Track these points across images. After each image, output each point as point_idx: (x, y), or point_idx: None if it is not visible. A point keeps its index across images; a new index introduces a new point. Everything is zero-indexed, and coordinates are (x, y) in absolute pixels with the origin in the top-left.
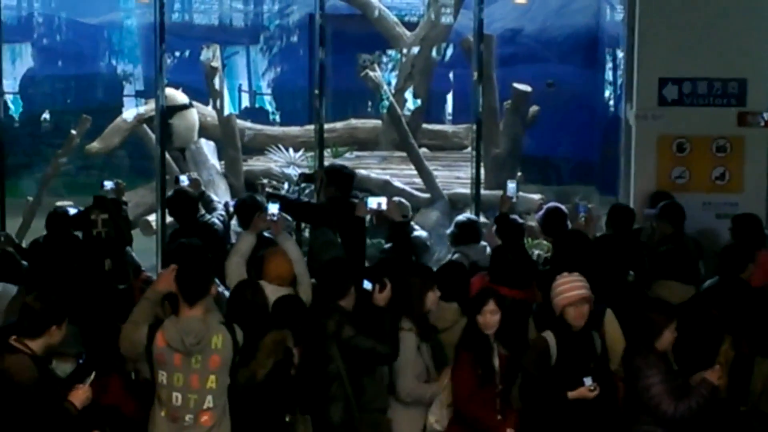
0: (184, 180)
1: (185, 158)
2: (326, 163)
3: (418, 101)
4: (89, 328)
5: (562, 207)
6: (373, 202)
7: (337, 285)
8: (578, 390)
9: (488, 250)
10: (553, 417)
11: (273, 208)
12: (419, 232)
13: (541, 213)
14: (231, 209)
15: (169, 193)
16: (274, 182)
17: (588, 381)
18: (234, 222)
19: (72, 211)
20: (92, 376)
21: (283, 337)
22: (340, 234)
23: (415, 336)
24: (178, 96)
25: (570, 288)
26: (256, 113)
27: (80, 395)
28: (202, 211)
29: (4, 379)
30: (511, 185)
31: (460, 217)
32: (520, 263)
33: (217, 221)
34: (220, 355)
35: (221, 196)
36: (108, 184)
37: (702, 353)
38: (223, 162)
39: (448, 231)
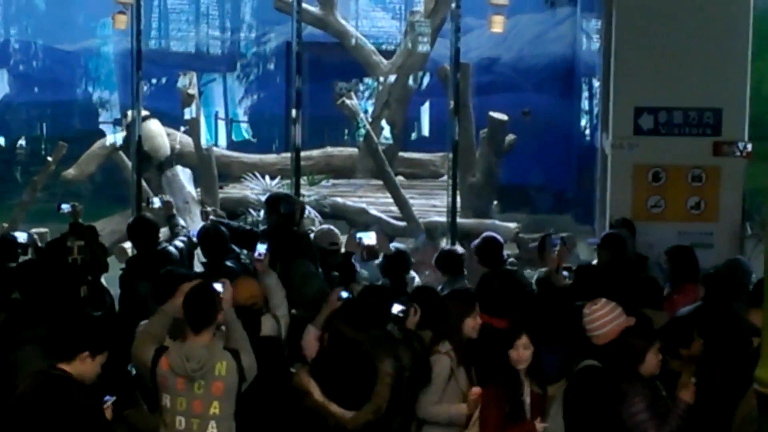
0: (156, 202)
1: (161, 184)
2: (302, 191)
3: (394, 130)
4: None
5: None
6: (363, 237)
7: (378, 312)
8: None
9: (417, 280)
10: None
11: (261, 248)
12: None
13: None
14: (194, 239)
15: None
16: (219, 211)
17: None
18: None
19: (21, 236)
20: (112, 399)
21: (396, 366)
22: (283, 263)
23: (449, 360)
24: None
25: (621, 313)
26: (232, 141)
27: (107, 412)
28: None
29: (53, 405)
30: None
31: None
32: (507, 291)
33: (173, 250)
34: (224, 382)
35: (197, 223)
36: (65, 207)
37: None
38: (199, 189)
39: (377, 262)
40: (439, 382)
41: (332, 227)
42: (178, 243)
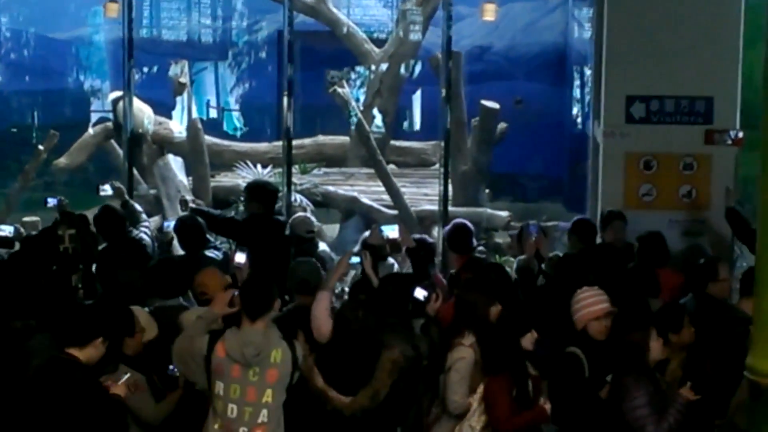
0: (106, 189)
1: (153, 172)
2: (294, 179)
3: (386, 118)
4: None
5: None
6: (386, 230)
7: (397, 300)
8: (605, 389)
9: (396, 267)
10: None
11: (240, 258)
12: (323, 248)
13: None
14: (170, 231)
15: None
16: (198, 200)
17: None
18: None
19: (8, 229)
20: (127, 375)
21: (400, 356)
22: (263, 250)
23: (473, 352)
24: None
25: (594, 302)
26: (223, 129)
27: (122, 388)
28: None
29: (62, 389)
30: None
31: (367, 235)
32: (503, 281)
33: (145, 237)
34: (278, 370)
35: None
36: (51, 201)
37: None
38: (190, 178)
39: (356, 249)
40: (466, 376)
41: (308, 215)
42: (144, 229)
